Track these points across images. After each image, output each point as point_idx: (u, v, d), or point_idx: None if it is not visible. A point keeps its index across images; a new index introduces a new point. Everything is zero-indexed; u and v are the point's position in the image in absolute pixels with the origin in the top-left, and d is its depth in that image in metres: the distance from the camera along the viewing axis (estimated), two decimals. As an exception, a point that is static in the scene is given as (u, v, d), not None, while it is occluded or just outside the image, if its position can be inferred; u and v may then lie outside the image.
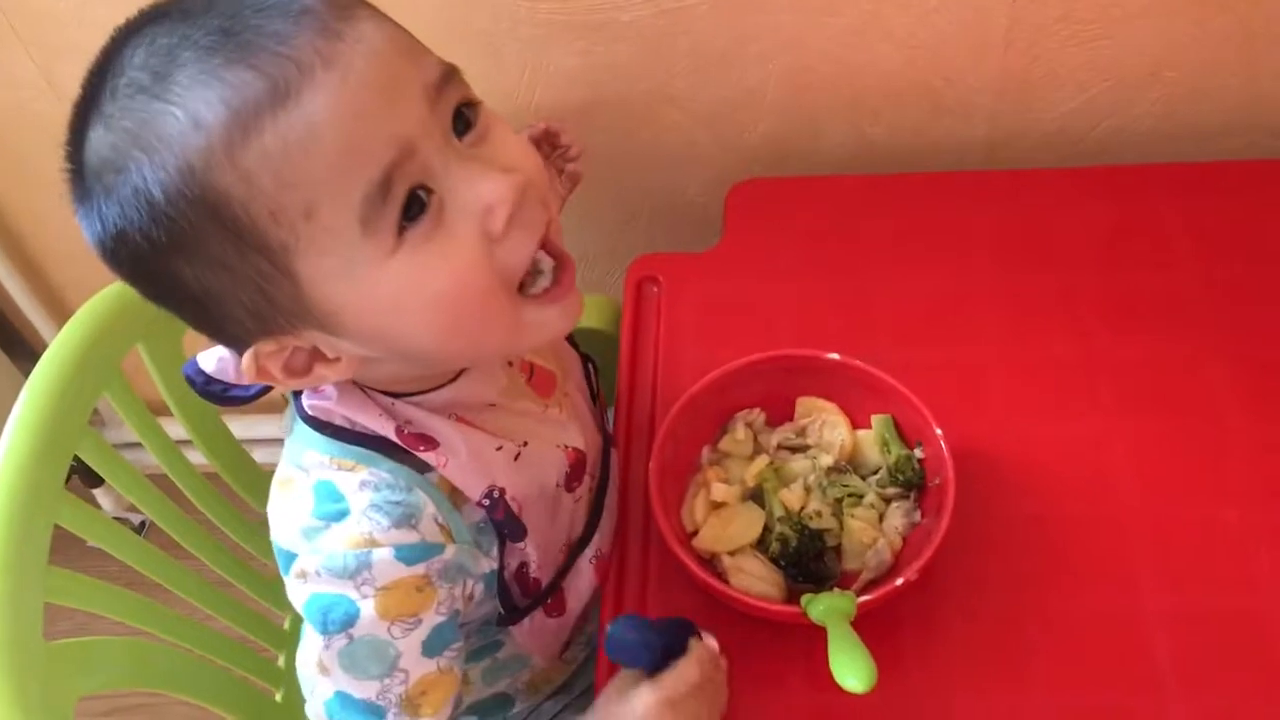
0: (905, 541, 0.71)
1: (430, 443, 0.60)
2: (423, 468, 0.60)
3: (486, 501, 0.62)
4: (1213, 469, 0.74)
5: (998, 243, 0.89)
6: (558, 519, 0.69)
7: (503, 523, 0.63)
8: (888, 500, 0.73)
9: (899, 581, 0.65)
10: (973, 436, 0.75)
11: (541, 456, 0.66)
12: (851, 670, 0.58)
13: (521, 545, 0.65)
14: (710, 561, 0.72)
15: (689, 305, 0.88)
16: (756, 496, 0.74)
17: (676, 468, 0.75)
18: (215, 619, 0.85)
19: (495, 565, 0.65)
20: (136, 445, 0.81)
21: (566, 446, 0.69)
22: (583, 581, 0.71)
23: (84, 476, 1.25)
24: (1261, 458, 0.74)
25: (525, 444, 0.65)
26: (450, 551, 0.60)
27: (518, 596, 0.68)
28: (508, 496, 0.63)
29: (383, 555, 0.57)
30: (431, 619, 0.59)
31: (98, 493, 1.39)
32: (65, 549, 0.77)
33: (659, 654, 0.61)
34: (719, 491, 0.73)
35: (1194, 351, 0.80)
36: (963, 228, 0.90)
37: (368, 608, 0.57)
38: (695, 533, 0.72)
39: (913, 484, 0.72)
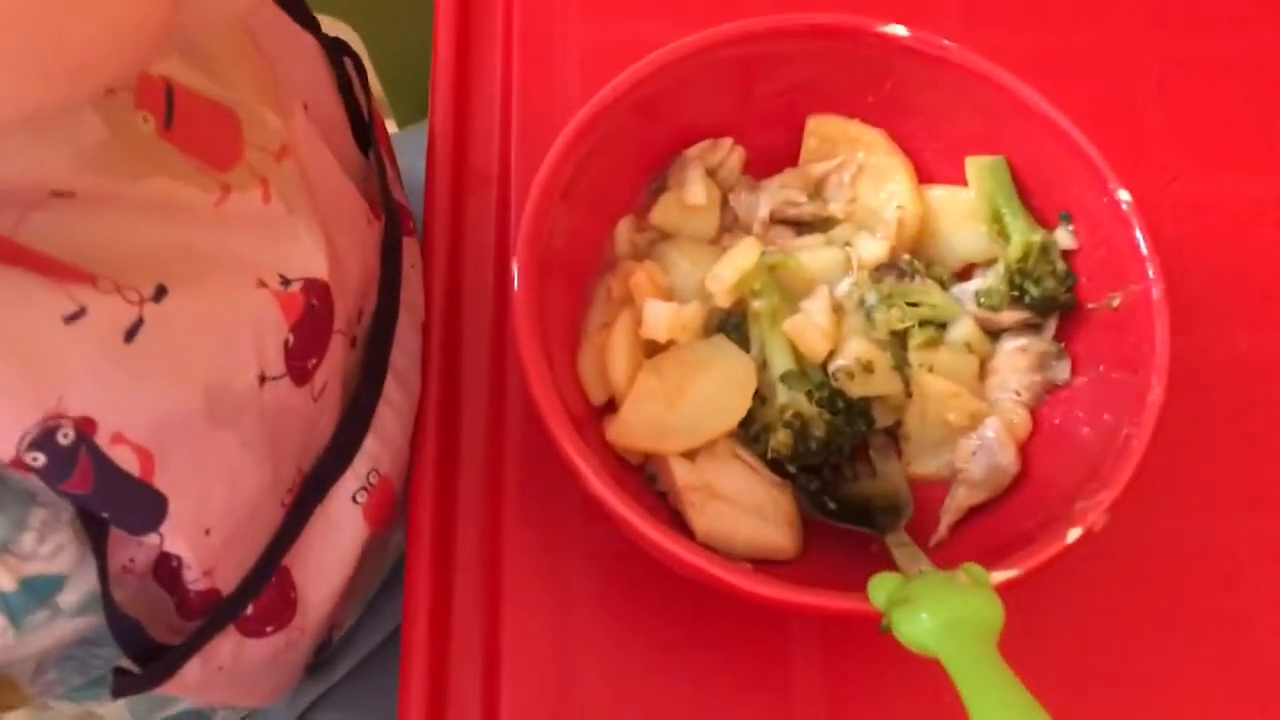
0: (1035, 423, 0.35)
1: None
2: None
3: (36, 458, 0.23)
4: None
5: None
6: (275, 446, 0.29)
7: (90, 497, 0.24)
8: (996, 335, 0.36)
9: (1074, 535, 0.30)
10: (1153, 207, 0.38)
11: (210, 316, 0.26)
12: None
13: (154, 535, 0.26)
14: (641, 470, 0.34)
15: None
16: (735, 326, 0.35)
17: (563, 267, 0.35)
18: None
19: (57, 570, 0.26)
20: None
21: (285, 280, 0.28)
22: (334, 549, 0.33)
23: None
24: None
25: (164, 291, 0.25)
26: None
27: (166, 625, 0.29)
28: (98, 437, 0.24)
29: None
30: None
31: None
32: None
33: None
34: (657, 317, 0.34)
35: None
36: None
37: None
38: (610, 405, 0.34)
39: (1055, 304, 0.35)
